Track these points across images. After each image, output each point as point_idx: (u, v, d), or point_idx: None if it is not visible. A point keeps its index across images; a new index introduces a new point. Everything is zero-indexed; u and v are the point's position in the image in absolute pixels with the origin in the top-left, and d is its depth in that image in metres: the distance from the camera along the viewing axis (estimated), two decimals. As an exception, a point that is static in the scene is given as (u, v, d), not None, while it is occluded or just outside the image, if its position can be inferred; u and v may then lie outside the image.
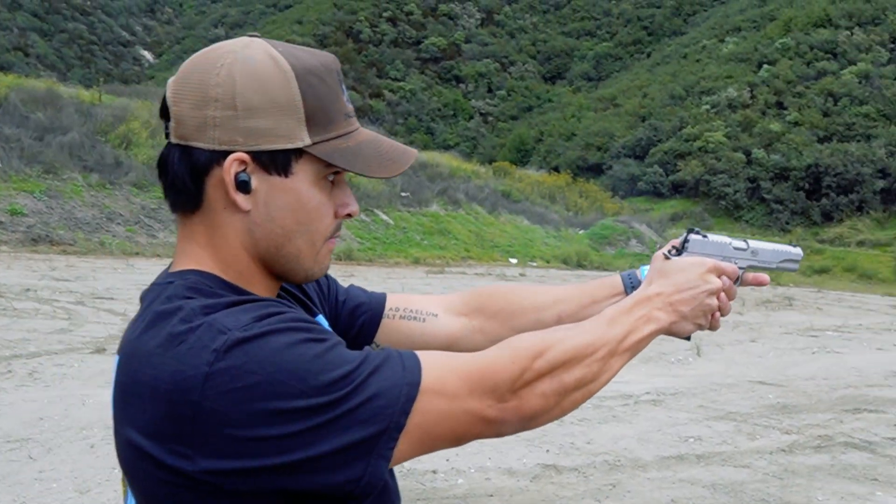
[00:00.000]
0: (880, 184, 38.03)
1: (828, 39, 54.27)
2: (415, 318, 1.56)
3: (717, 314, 1.40)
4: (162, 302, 1.09)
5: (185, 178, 1.13)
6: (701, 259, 1.39)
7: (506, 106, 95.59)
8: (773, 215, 39.75)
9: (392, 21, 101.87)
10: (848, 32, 53.98)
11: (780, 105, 50.90)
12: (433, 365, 1.09)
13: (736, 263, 1.46)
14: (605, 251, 33.84)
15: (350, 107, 1.21)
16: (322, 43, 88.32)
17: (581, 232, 35.64)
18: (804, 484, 6.66)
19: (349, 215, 1.23)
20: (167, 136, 1.15)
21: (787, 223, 38.69)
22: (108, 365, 8.63)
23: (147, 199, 22.69)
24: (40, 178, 20.69)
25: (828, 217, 38.73)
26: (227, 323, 1.03)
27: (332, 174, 1.18)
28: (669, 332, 1.35)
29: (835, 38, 53.98)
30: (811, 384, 10.94)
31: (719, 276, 1.39)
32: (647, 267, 1.47)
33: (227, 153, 1.11)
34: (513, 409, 1.12)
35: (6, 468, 5.59)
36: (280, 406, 0.99)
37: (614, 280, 1.58)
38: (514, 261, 28.97)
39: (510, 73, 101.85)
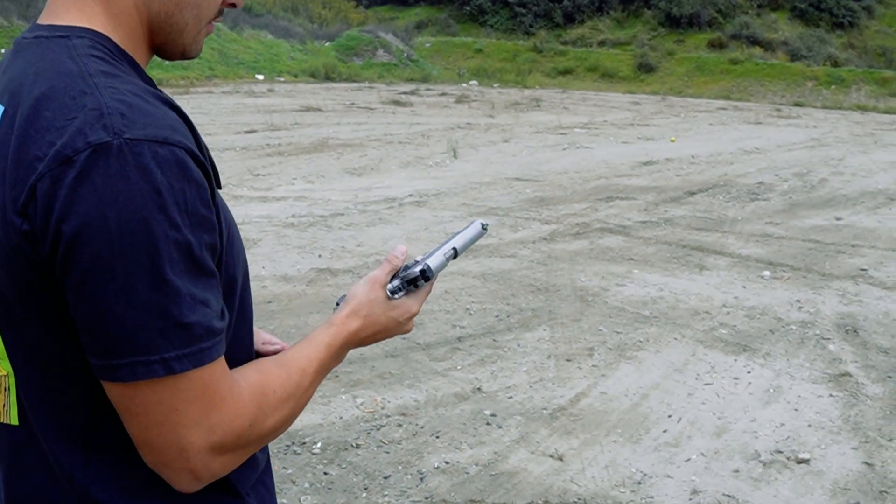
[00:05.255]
0: (619, -17, 38.90)
1: None
2: None
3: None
4: (64, 60, 1.02)
5: None
6: (407, 309, 1.34)
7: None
8: (516, 19, 39.73)
9: None
10: None
11: None
12: (211, 375, 1.01)
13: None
14: (352, 62, 33.20)
15: None
16: None
17: (327, 44, 34.76)
18: (567, 268, 7.14)
19: (233, 5, 1.21)
20: None
21: (531, 26, 38.85)
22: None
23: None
24: None
25: (570, 19, 39.21)
26: (116, 122, 0.95)
27: None
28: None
29: None
30: (565, 178, 11.36)
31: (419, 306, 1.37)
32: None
33: None
34: (219, 468, 1.06)
35: None
36: (96, 252, 0.93)
37: None
38: (260, 77, 28.26)
39: None
